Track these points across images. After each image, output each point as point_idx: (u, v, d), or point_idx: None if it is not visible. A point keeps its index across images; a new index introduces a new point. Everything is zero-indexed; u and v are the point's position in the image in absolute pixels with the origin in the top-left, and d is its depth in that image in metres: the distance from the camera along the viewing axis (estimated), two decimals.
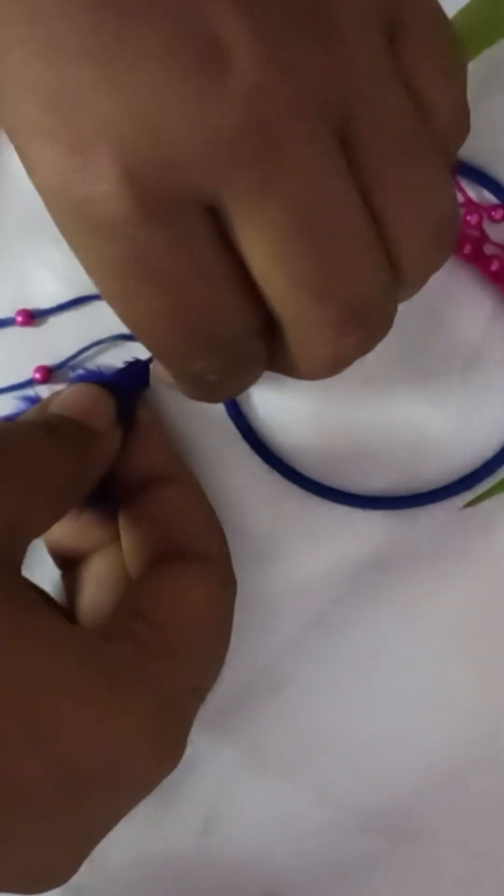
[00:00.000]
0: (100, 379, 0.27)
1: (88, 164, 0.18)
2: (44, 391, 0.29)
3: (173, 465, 0.27)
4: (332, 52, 0.19)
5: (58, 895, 0.28)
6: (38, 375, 0.30)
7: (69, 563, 0.28)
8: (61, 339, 0.30)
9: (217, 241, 0.19)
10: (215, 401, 0.28)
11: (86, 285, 0.30)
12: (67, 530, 0.27)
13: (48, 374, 0.30)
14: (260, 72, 0.18)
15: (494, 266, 0.30)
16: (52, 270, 0.30)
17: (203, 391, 0.23)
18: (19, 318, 0.30)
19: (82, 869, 0.28)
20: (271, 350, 0.22)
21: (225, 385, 0.23)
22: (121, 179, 0.18)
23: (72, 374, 0.29)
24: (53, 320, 0.30)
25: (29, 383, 0.30)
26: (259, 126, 0.18)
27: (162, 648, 0.22)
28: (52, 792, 0.19)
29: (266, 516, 0.30)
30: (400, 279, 0.21)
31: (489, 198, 0.30)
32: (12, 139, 0.19)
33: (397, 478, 0.30)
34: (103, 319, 0.30)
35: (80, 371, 0.28)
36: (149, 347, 0.22)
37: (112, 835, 0.29)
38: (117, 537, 0.27)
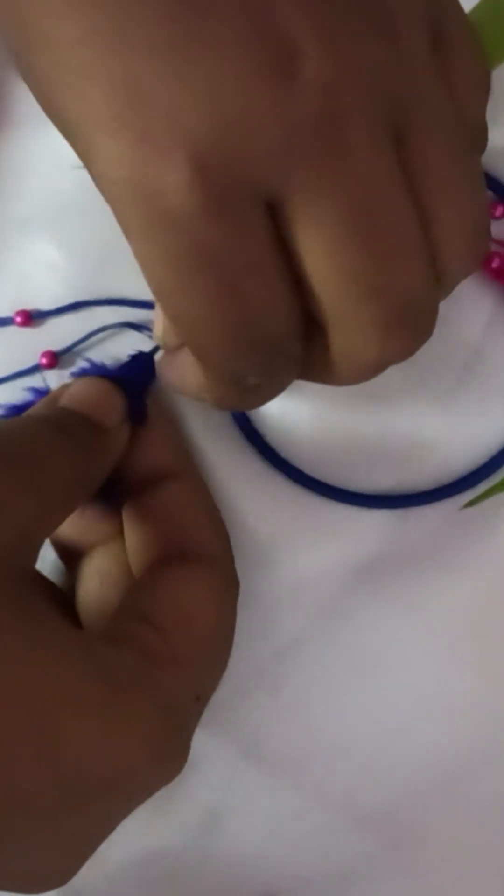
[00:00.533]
0: (106, 372, 0.27)
1: (160, 154, 0.18)
2: (51, 378, 0.29)
3: (181, 463, 0.27)
4: (391, 49, 0.19)
5: (58, 895, 0.29)
6: (44, 360, 0.30)
7: (72, 556, 0.28)
8: (60, 341, 0.30)
9: (272, 238, 0.20)
10: (243, 408, 0.28)
11: (85, 286, 0.30)
12: (71, 524, 0.27)
13: (55, 359, 0.30)
14: (327, 69, 0.18)
15: (495, 263, 0.29)
16: (53, 270, 0.30)
17: (238, 395, 0.23)
18: (18, 319, 0.30)
19: (82, 869, 0.29)
20: (307, 357, 0.23)
21: (261, 389, 0.23)
22: (191, 171, 0.18)
23: (74, 368, 0.29)
24: (52, 322, 0.30)
25: (35, 368, 0.30)
26: (326, 122, 0.19)
27: (167, 655, 0.22)
28: (55, 797, 0.20)
29: (267, 515, 0.29)
30: (441, 280, 0.22)
31: (488, 195, 0.30)
32: (71, 129, 0.20)
33: (398, 477, 0.30)
34: (103, 322, 0.30)
35: (85, 364, 0.28)
36: (194, 347, 0.22)
37: (112, 835, 0.29)
38: (121, 531, 0.27)
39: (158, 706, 0.21)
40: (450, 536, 0.29)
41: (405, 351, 0.22)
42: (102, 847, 0.29)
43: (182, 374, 0.25)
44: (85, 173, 0.29)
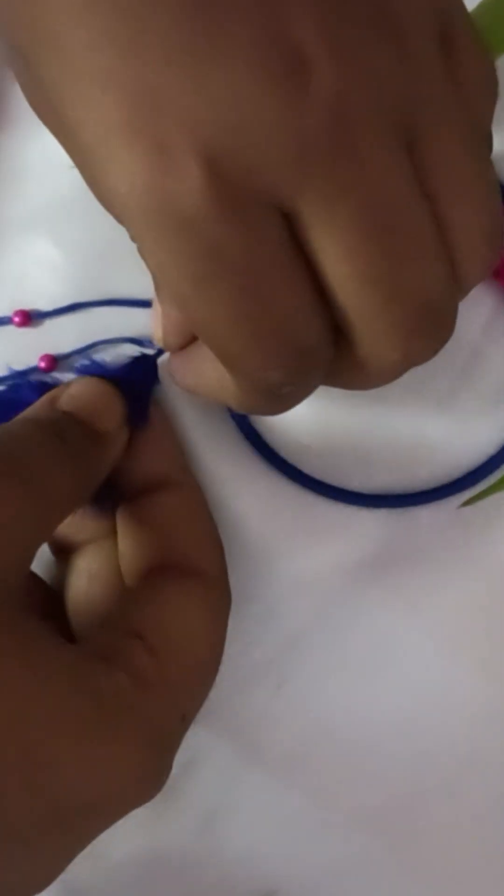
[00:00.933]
0: (107, 373, 0.27)
1: (173, 161, 0.18)
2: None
3: (179, 472, 0.27)
4: (403, 56, 0.19)
5: (58, 895, 0.29)
6: (42, 364, 0.29)
7: (63, 551, 0.28)
8: (59, 341, 0.29)
9: (290, 243, 0.20)
10: (268, 413, 0.27)
11: (84, 286, 0.30)
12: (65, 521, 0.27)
13: (54, 363, 0.29)
14: (340, 78, 0.19)
15: None
16: (52, 270, 0.30)
17: (268, 402, 0.23)
18: (16, 319, 0.30)
19: (82, 869, 0.29)
20: (331, 362, 0.23)
21: (291, 396, 0.23)
22: (205, 177, 0.18)
23: (77, 365, 0.29)
24: (51, 322, 0.30)
25: (33, 371, 0.29)
26: (339, 131, 0.19)
27: (157, 678, 0.22)
28: (35, 819, 0.20)
29: (267, 514, 0.29)
30: (458, 281, 0.22)
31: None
32: (76, 136, 0.19)
33: (397, 477, 0.30)
34: (102, 323, 0.30)
35: (85, 362, 0.27)
36: (224, 357, 0.22)
37: (112, 835, 0.29)
38: (113, 531, 0.27)
39: (146, 733, 0.22)
40: (450, 536, 0.29)
41: (428, 351, 0.22)
42: (102, 847, 0.29)
43: (199, 374, 0.25)
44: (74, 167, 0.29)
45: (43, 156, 0.30)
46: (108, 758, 0.21)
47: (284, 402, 0.23)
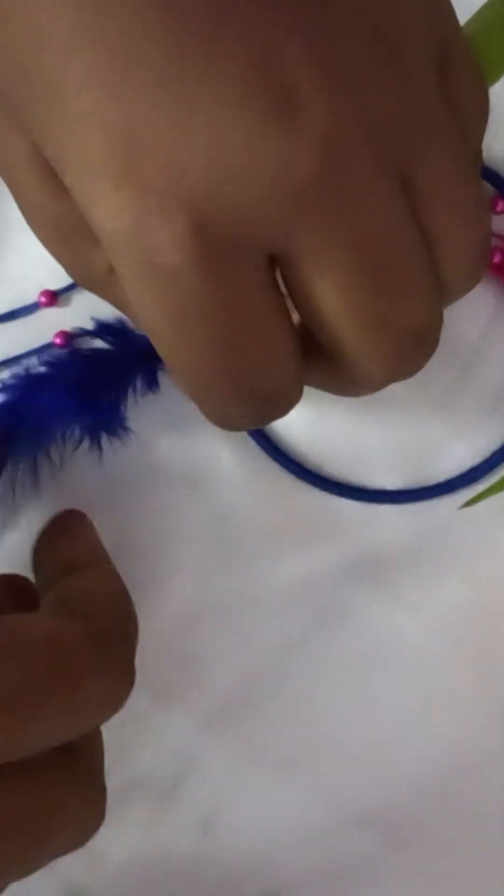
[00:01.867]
0: (124, 338, 0.28)
1: (157, 209, 0.18)
2: None
3: (93, 554, 0.27)
4: (400, 85, 0.19)
5: (58, 895, 0.28)
6: (58, 341, 0.30)
7: None
8: (87, 315, 0.29)
9: (272, 289, 0.20)
10: (238, 431, 0.28)
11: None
12: None
13: (68, 339, 0.30)
14: (333, 119, 0.18)
15: (496, 258, 0.29)
16: (52, 271, 0.30)
17: (228, 424, 0.23)
18: (43, 300, 0.30)
19: (82, 870, 0.29)
20: (318, 374, 0.23)
21: (250, 423, 0.23)
22: (191, 227, 0.18)
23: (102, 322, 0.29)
24: (77, 298, 0.30)
25: (48, 347, 0.30)
26: (332, 174, 0.18)
27: None
28: None
29: (268, 512, 0.29)
30: (447, 300, 0.22)
31: (489, 189, 0.30)
32: (68, 174, 0.19)
33: (398, 474, 0.30)
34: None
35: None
36: (188, 392, 0.22)
37: (112, 835, 0.29)
38: None
39: None
40: (450, 535, 0.29)
41: (414, 370, 0.22)
42: (102, 848, 0.29)
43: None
44: None
45: None
46: None
47: (248, 426, 0.24)
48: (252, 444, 0.29)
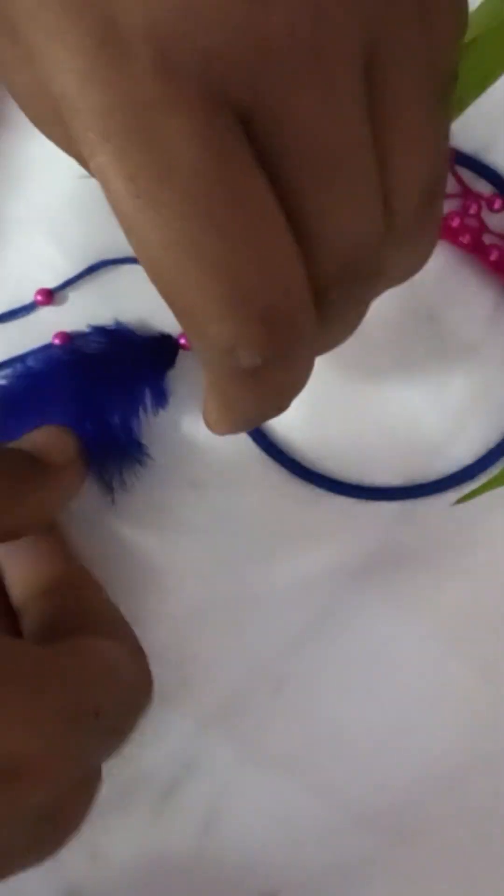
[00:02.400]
0: (130, 340, 0.28)
1: (121, 43, 0.17)
2: None
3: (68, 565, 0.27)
4: None
5: (58, 895, 0.28)
6: (57, 341, 0.30)
7: None
8: (83, 312, 0.30)
9: (250, 157, 0.18)
10: (264, 409, 0.22)
11: (93, 255, 0.30)
12: None
13: (68, 339, 0.30)
14: None
15: (493, 256, 0.29)
16: (51, 271, 0.30)
17: (247, 387, 0.20)
18: (39, 298, 0.30)
19: (82, 869, 0.29)
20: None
21: (270, 378, 0.20)
22: (155, 60, 0.17)
23: (106, 326, 0.29)
24: (72, 295, 0.30)
25: (47, 347, 0.30)
26: (305, 32, 0.17)
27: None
28: None
29: (267, 511, 0.29)
30: (390, 230, 0.20)
31: (487, 187, 0.30)
32: (21, 32, 0.18)
33: (397, 472, 0.30)
34: (120, 285, 0.30)
35: (111, 325, 0.28)
36: (180, 309, 0.18)
37: (112, 835, 0.29)
38: None
39: None
40: (448, 533, 0.29)
41: (351, 305, 0.21)
42: (103, 848, 0.29)
43: (203, 412, 0.23)
44: (85, 176, 0.29)
45: (43, 156, 0.30)
46: None
47: (263, 387, 0.20)
48: (251, 443, 0.29)
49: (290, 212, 0.18)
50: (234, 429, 0.22)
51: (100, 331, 0.29)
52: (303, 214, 0.18)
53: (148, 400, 0.29)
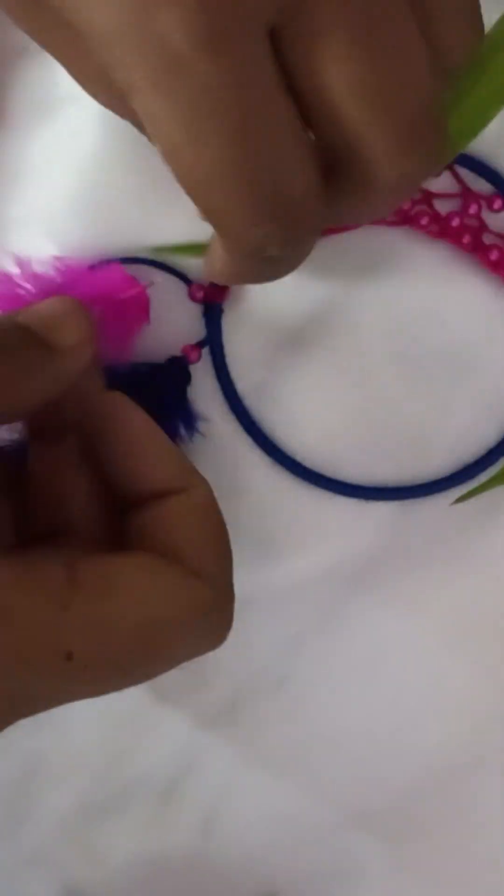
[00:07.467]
0: (140, 373, 0.27)
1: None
2: None
3: (186, 478, 0.25)
4: None
5: (58, 895, 0.29)
6: None
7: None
8: None
9: (282, 80, 0.19)
10: (270, 279, 0.25)
11: (93, 256, 0.29)
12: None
13: None
14: None
15: (494, 255, 0.29)
16: (59, 246, 0.30)
17: (258, 268, 0.22)
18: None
19: (83, 870, 0.29)
20: (332, 198, 0.22)
21: (282, 260, 0.22)
22: (189, 9, 0.18)
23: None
24: None
25: None
26: None
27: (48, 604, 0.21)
28: None
29: (268, 512, 0.29)
30: (444, 73, 0.21)
31: (487, 187, 0.30)
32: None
33: (397, 473, 0.30)
34: None
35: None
36: (211, 213, 0.21)
37: (112, 835, 0.29)
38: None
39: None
40: (448, 533, 0.29)
41: (423, 167, 0.21)
42: (103, 848, 0.29)
43: (207, 256, 0.24)
44: (85, 176, 0.29)
45: (43, 156, 0.30)
46: None
47: (276, 267, 0.22)
48: (251, 443, 0.29)
49: (352, 82, 0.19)
50: (232, 284, 0.24)
51: (109, 371, 0.28)
52: (365, 85, 0.19)
53: (182, 429, 0.29)
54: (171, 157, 0.20)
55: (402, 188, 0.21)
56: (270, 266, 0.22)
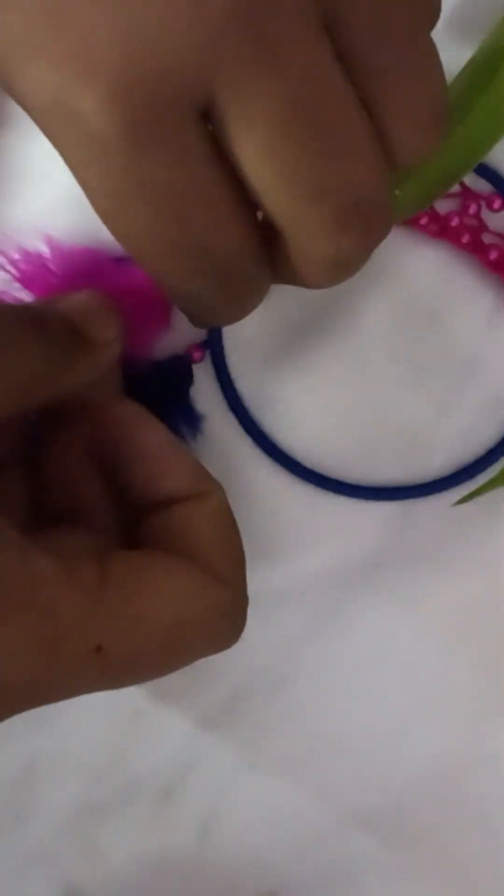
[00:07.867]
0: (144, 374, 0.27)
1: (77, 77, 0.18)
2: None
3: (202, 483, 0.25)
4: None
5: (58, 895, 0.29)
6: None
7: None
8: None
9: (211, 153, 0.19)
10: (216, 325, 0.26)
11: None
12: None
13: None
14: None
15: (493, 255, 0.29)
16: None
17: (202, 315, 0.23)
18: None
19: (83, 870, 0.29)
20: (274, 262, 0.22)
21: (222, 310, 0.23)
22: (110, 93, 0.17)
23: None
24: None
25: None
26: (249, 13, 0.17)
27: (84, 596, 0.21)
28: None
29: (268, 512, 0.29)
30: (395, 167, 0.20)
31: (487, 187, 0.30)
32: (3, 64, 0.19)
33: (397, 473, 0.30)
34: None
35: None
36: (145, 268, 0.21)
37: (112, 835, 0.29)
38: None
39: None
40: (448, 533, 0.29)
41: (361, 246, 0.21)
42: (103, 848, 0.29)
43: None
44: None
45: (43, 156, 0.30)
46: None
47: (219, 314, 0.23)
48: (251, 443, 0.29)
49: (282, 171, 0.19)
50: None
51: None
52: (296, 174, 0.19)
53: (184, 430, 0.28)
54: (104, 221, 0.20)
55: (343, 262, 0.21)
56: (210, 314, 0.23)
